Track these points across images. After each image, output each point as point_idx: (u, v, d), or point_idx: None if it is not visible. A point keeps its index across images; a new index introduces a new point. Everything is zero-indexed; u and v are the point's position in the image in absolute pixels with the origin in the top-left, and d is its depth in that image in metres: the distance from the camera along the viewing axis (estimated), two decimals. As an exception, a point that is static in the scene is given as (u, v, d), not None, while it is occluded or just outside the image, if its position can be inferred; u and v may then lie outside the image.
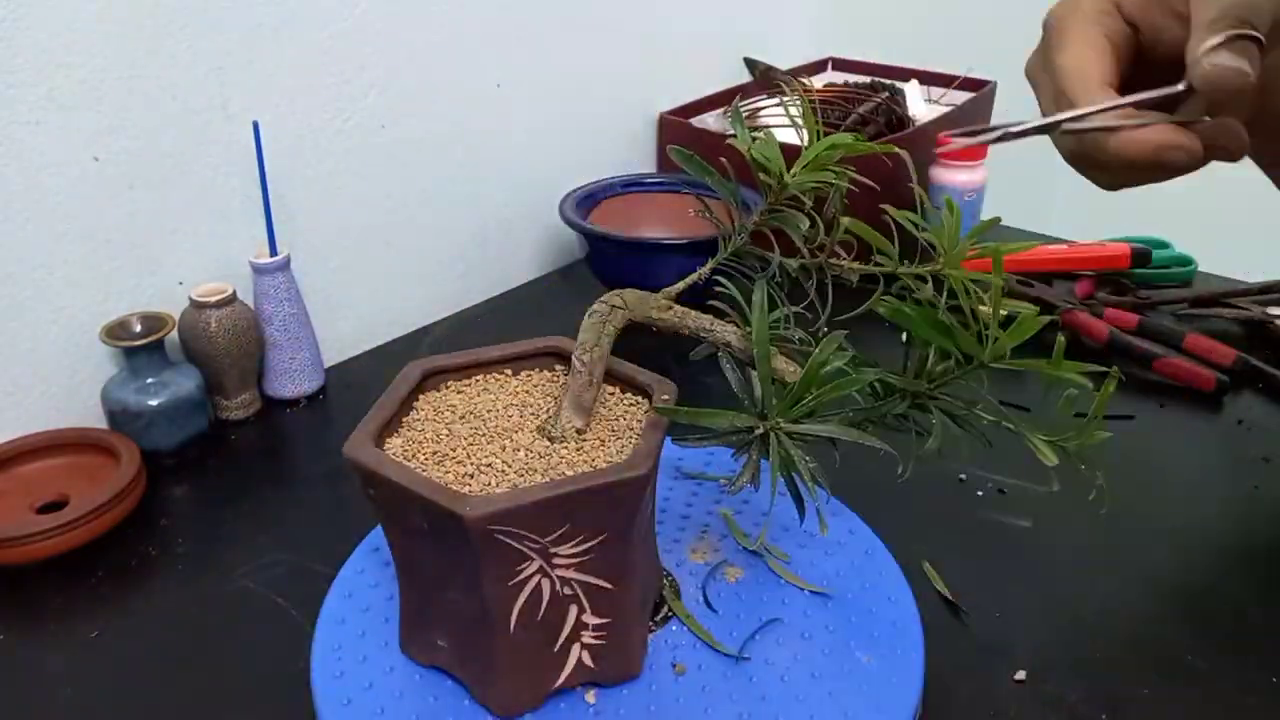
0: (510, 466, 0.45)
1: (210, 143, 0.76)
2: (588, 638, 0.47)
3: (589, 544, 0.44)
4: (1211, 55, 0.37)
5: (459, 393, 0.52)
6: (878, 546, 0.59)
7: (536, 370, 0.55)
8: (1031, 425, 0.49)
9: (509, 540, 0.42)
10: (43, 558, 0.62)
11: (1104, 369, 0.46)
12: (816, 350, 0.46)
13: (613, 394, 0.52)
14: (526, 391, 0.52)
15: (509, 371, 0.54)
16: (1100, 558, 0.63)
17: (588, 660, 0.47)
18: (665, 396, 0.49)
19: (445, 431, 0.48)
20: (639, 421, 0.49)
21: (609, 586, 0.46)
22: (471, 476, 0.45)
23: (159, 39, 0.71)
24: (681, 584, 0.55)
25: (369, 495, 0.46)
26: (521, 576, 0.44)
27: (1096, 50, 0.40)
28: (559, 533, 0.43)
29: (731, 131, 0.50)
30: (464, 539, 0.41)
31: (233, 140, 0.77)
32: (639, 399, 0.51)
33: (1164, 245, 1.02)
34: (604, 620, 0.47)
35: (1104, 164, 0.40)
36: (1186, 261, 1.00)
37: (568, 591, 0.45)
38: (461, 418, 0.50)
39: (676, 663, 0.50)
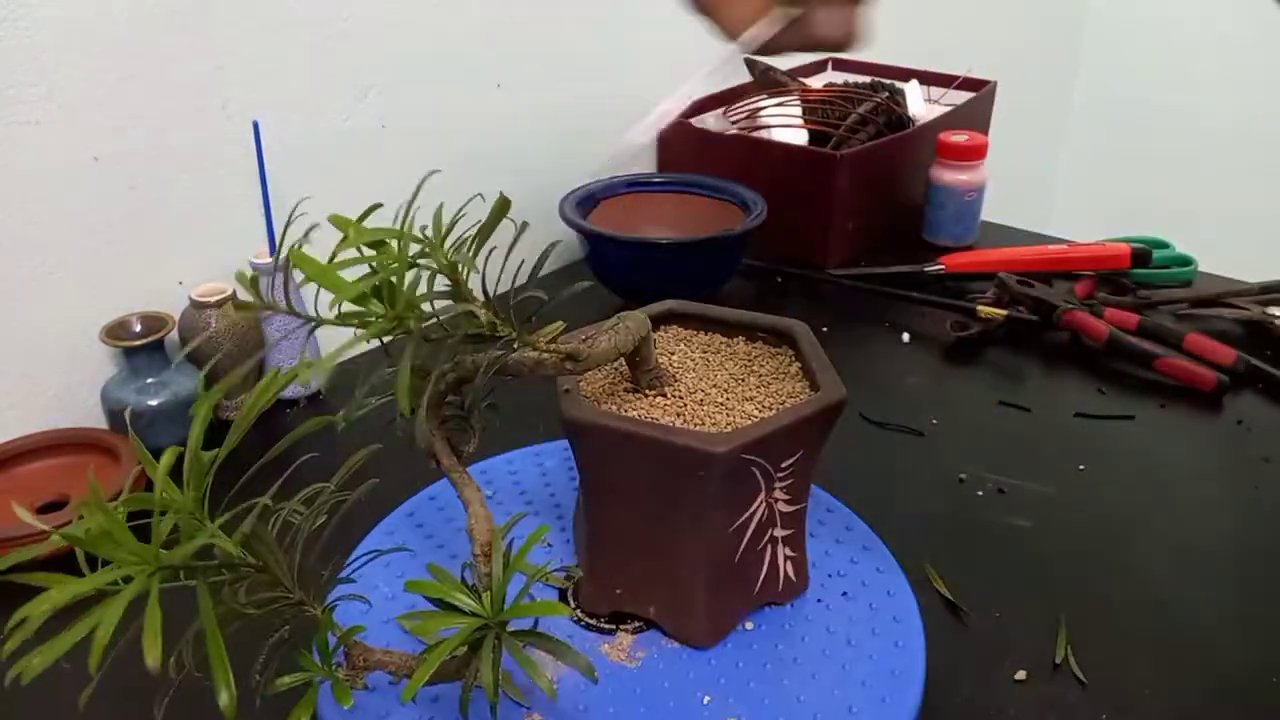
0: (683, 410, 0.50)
1: (210, 142, 0.76)
2: (780, 557, 0.52)
3: (793, 468, 0.49)
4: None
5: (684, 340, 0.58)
6: (875, 541, 0.60)
7: (758, 344, 0.58)
8: None
9: (753, 470, 0.47)
10: (42, 558, 0.62)
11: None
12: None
13: (739, 343, 0.58)
14: (752, 359, 0.57)
15: (743, 339, 0.58)
16: (1100, 557, 0.63)
17: (777, 578, 0.53)
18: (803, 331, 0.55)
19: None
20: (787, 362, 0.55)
21: (799, 507, 0.52)
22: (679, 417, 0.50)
23: (159, 38, 0.71)
24: None
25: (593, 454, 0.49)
26: (747, 513, 0.49)
27: None
28: (788, 460, 0.48)
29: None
30: (711, 477, 0.45)
31: (233, 140, 0.76)
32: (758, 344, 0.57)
33: (1164, 245, 1.02)
34: (791, 532, 0.52)
35: None
36: (1187, 261, 1.00)
37: (770, 515, 0.50)
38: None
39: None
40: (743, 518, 0.49)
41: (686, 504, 0.47)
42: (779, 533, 0.51)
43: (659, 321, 0.58)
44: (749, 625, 0.53)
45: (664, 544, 0.49)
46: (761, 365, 0.55)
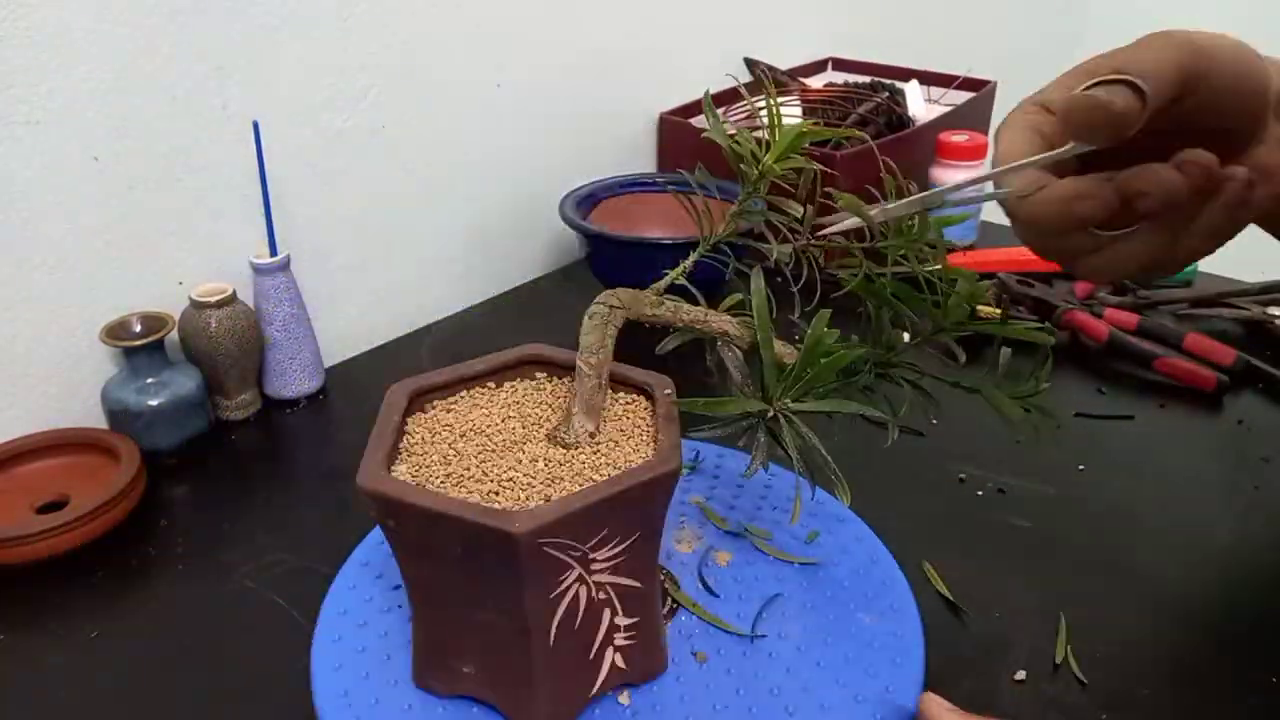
0: (534, 478, 0.44)
1: (210, 143, 0.76)
2: (620, 639, 0.47)
3: (623, 545, 0.44)
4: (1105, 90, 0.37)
5: (448, 410, 0.51)
6: (865, 531, 0.61)
7: (519, 380, 0.54)
8: (990, 386, 0.51)
9: (554, 552, 0.41)
10: (43, 558, 0.62)
11: (1039, 324, 0.49)
12: (810, 329, 0.46)
13: (606, 395, 0.52)
14: (517, 402, 0.52)
15: (493, 384, 0.53)
16: (1100, 557, 0.63)
17: (620, 662, 0.48)
18: (667, 391, 0.49)
19: (451, 452, 0.47)
20: (643, 419, 0.49)
21: (639, 585, 0.46)
22: (497, 493, 0.43)
23: (159, 39, 0.71)
24: (678, 575, 0.56)
25: (388, 528, 0.44)
26: (562, 587, 0.43)
27: (1024, 136, 0.40)
28: (599, 537, 0.43)
29: (731, 130, 0.51)
30: (509, 558, 0.40)
31: (233, 140, 0.76)
32: (635, 396, 0.51)
33: (1164, 245, 1.02)
34: (633, 620, 0.47)
35: (1029, 226, 0.41)
36: (1187, 261, 1.00)
37: (602, 596, 0.45)
38: (462, 435, 0.48)
39: (696, 651, 0.51)
40: (562, 606, 0.44)
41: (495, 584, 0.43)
42: (621, 620, 0.47)
43: (517, 366, 0.54)
44: (753, 604, 0.53)
45: (486, 626, 0.46)
46: (622, 419, 0.50)
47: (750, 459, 0.47)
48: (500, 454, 0.47)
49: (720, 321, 0.52)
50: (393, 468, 0.45)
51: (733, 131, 0.51)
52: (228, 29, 0.74)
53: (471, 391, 0.53)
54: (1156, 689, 0.53)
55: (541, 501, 0.43)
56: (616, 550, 0.44)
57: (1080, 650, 0.55)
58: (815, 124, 0.50)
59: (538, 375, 0.54)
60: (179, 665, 0.56)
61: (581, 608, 0.45)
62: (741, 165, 0.50)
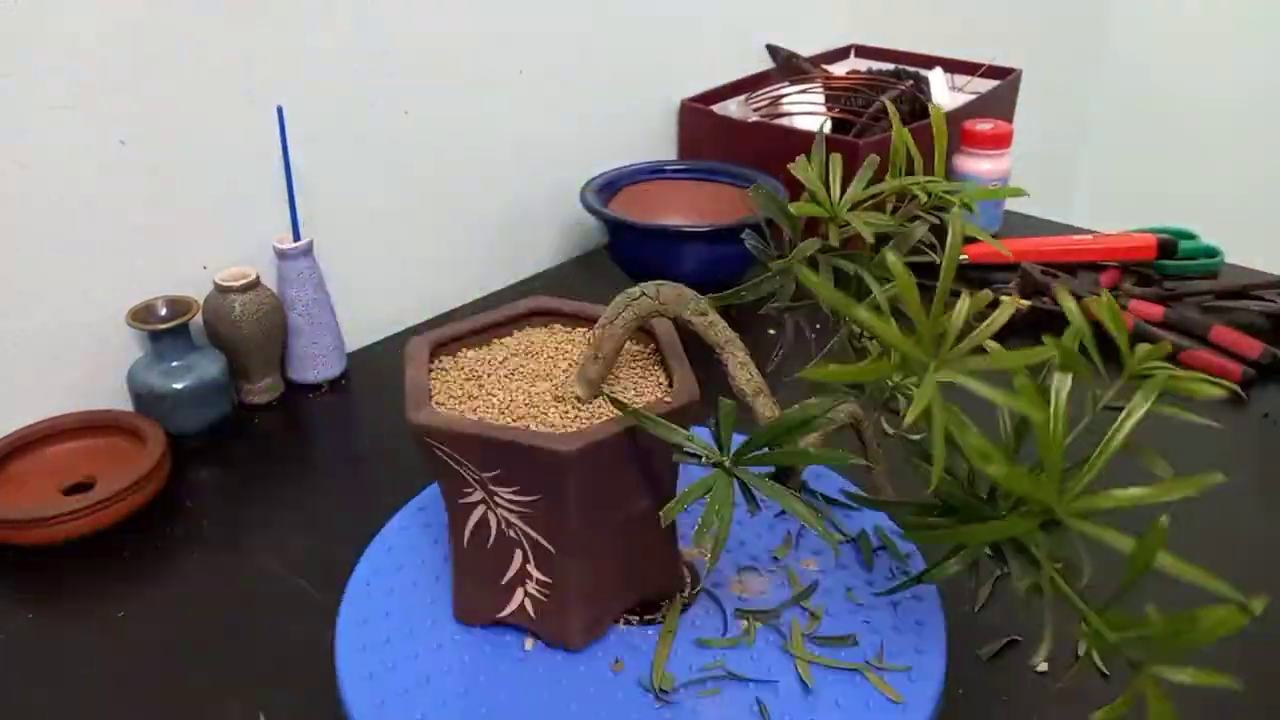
0: (530, 410, 0.49)
1: (235, 128, 0.76)
2: (530, 587, 0.50)
3: (527, 498, 0.47)
4: None
5: (472, 352, 0.55)
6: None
7: (530, 329, 0.57)
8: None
9: (449, 461, 0.47)
10: (69, 539, 0.63)
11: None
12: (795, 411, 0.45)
13: (650, 372, 0.53)
14: (529, 349, 0.55)
15: (513, 330, 0.57)
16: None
17: (529, 609, 0.51)
18: (668, 400, 0.48)
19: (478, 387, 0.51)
20: (655, 397, 0.50)
21: (550, 548, 0.48)
22: (521, 418, 0.48)
23: (185, 25, 0.71)
24: (709, 603, 0.54)
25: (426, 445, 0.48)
26: (468, 499, 0.48)
27: None
28: (493, 473, 0.46)
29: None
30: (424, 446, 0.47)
31: (257, 125, 0.77)
32: (665, 384, 0.51)
33: (1191, 236, 1.01)
34: (546, 579, 0.50)
35: None
36: (1213, 253, 0.99)
37: (512, 535, 0.49)
38: (510, 371, 0.53)
39: (619, 659, 0.50)
40: (472, 518, 0.50)
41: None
42: (533, 571, 0.50)
43: (520, 320, 0.57)
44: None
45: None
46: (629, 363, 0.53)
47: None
48: (526, 384, 0.51)
49: (732, 359, 0.50)
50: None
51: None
52: (253, 15, 0.75)
53: (495, 341, 0.56)
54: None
55: (496, 414, 0.48)
56: (521, 499, 0.47)
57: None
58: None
59: (555, 325, 0.58)
60: (203, 645, 0.56)
61: (492, 532, 0.49)
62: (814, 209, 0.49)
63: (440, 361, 0.54)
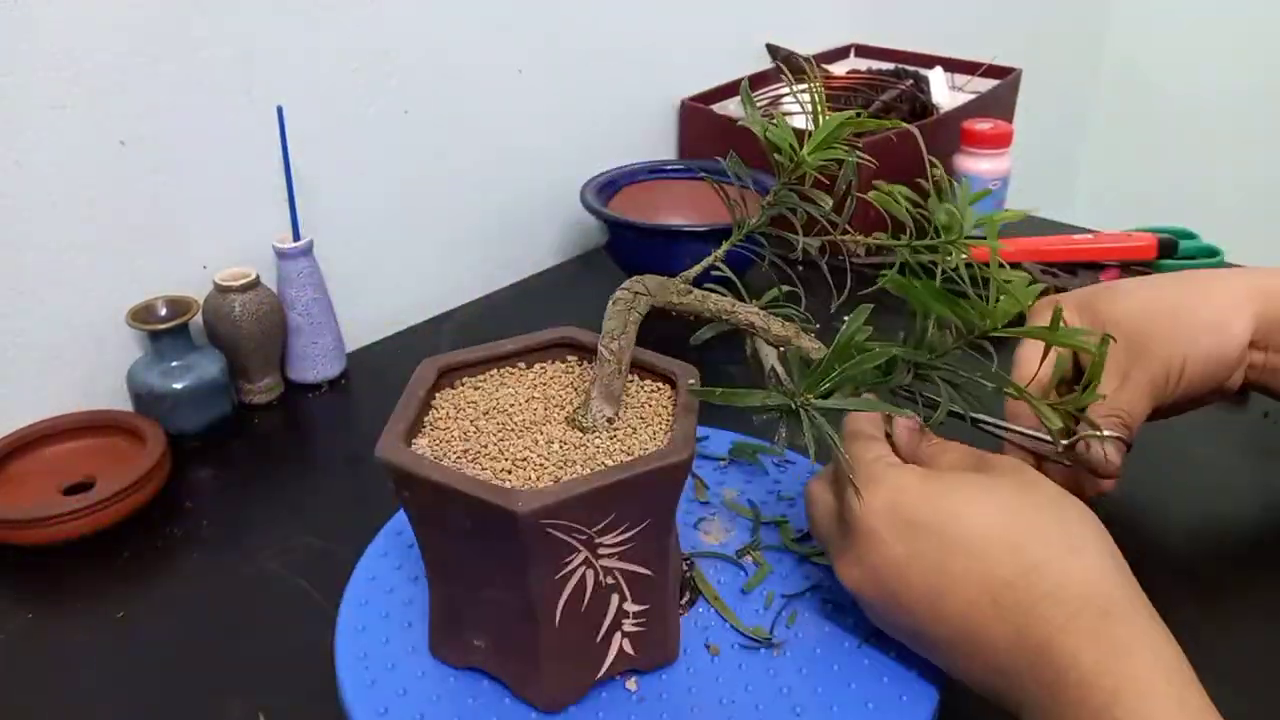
0: (548, 460, 0.45)
1: (234, 127, 0.76)
2: (629, 626, 0.47)
3: (632, 531, 0.44)
4: (1100, 445, 0.54)
5: (476, 389, 0.51)
6: None
7: (550, 362, 0.54)
8: (1038, 397, 0.50)
9: (558, 533, 0.42)
10: (69, 539, 0.63)
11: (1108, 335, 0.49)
12: (845, 325, 0.46)
13: (632, 381, 0.52)
14: (544, 384, 0.52)
15: (523, 365, 0.53)
16: (1127, 547, 0.62)
17: (629, 648, 0.48)
18: (691, 381, 0.49)
19: (471, 429, 0.47)
20: (665, 407, 0.49)
21: (649, 573, 0.46)
22: (509, 472, 0.44)
23: (184, 23, 0.71)
24: (702, 566, 0.56)
25: (404, 498, 0.45)
26: (568, 569, 0.43)
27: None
28: (605, 522, 0.43)
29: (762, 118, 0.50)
30: (512, 535, 0.41)
31: (257, 125, 0.77)
32: (660, 384, 0.51)
33: (1191, 236, 1.01)
34: (643, 607, 0.47)
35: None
36: (1213, 252, 0.99)
37: (610, 581, 0.45)
38: (485, 414, 0.49)
39: (710, 644, 0.51)
40: (567, 588, 0.44)
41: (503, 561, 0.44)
42: (630, 607, 0.47)
43: (549, 348, 0.54)
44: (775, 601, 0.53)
45: (495, 603, 0.46)
46: (644, 405, 0.50)
47: (774, 444, 0.47)
48: (519, 434, 0.47)
49: (748, 313, 0.51)
50: (414, 440, 0.46)
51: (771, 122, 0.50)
52: (253, 15, 0.75)
53: (501, 371, 0.53)
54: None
55: (550, 483, 0.43)
56: (625, 536, 0.44)
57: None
58: (854, 114, 0.49)
59: (569, 358, 0.54)
60: (203, 646, 0.56)
61: (589, 591, 0.45)
62: (777, 155, 0.50)
63: (452, 387, 0.51)
